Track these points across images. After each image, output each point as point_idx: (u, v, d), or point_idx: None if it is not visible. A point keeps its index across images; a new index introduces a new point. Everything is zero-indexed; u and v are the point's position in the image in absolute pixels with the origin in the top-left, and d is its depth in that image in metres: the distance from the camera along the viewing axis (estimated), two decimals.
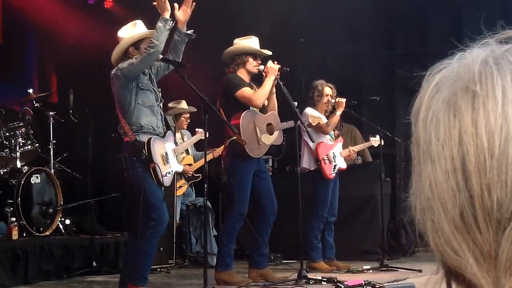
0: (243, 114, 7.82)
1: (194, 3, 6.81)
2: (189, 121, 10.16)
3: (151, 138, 6.66)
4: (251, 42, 8.12)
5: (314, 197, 9.33)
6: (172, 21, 6.70)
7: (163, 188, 6.75)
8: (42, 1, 11.94)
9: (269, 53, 8.18)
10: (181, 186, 10.09)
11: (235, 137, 7.67)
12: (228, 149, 7.87)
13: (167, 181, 6.81)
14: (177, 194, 10.03)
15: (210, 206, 10.08)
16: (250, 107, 7.93)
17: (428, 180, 0.93)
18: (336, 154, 9.48)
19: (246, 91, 7.81)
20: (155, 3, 6.69)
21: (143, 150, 6.56)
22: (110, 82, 6.74)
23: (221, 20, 11.45)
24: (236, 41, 8.14)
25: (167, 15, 6.63)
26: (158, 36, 6.55)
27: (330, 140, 9.53)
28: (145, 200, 6.52)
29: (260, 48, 8.13)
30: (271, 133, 8.10)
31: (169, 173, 6.86)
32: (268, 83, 7.89)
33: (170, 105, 10.21)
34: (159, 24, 6.60)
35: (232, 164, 7.80)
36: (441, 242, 0.93)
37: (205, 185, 7.67)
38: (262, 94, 7.90)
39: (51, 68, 12.49)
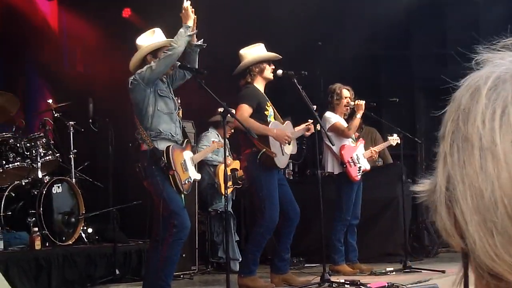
0: (270, 126, 7.84)
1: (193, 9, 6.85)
2: (232, 130, 9.99)
3: (169, 146, 6.68)
4: (261, 50, 8.12)
5: (338, 200, 9.32)
6: (194, 30, 6.77)
7: (183, 195, 6.76)
8: (60, 10, 12.03)
9: (279, 56, 8.18)
10: (228, 187, 10.04)
11: (264, 150, 7.69)
12: (250, 160, 7.84)
13: (186, 188, 6.82)
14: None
15: (232, 212, 10.08)
16: (268, 119, 7.95)
17: (491, 181, 0.89)
18: (359, 156, 9.47)
19: (243, 108, 7.79)
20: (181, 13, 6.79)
21: (162, 158, 6.57)
22: (128, 89, 6.76)
23: (237, 24, 11.44)
24: (243, 52, 8.08)
25: (190, 23, 6.75)
26: (178, 39, 6.65)
27: (352, 142, 9.50)
28: (165, 208, 6.53)
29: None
30: (289, 143, 8.11)
31: (188, 180, 6.87)
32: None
33: (220, 110, 10.14)
34: (181, 30, 6.71)
35: (257, 175, 7.79)
36: (496, 245, 0.89)
37: (226, 190, 7.67)
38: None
39: (69, 77, 12.53)
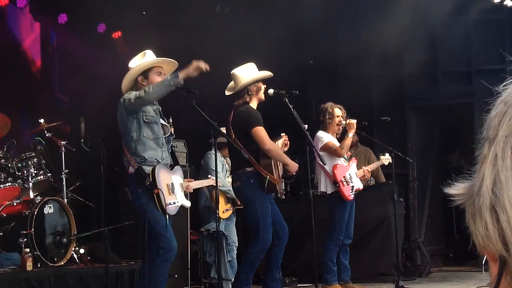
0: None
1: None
2: None
3: (155, 166, 6.66)
4: (254, 69, 8.02)
5: (331, 220, 9.29)
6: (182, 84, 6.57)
7: (167, 216, 6.71)
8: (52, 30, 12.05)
9: (272, 74, 8.12)
10: (227, 210, 10.02)
11: (267, 176, 7.65)
12: (243, 179, 7.79)
13: (171, 210, 6.76)
14: (222, 217, 9.94)
15: (224, 232, 10.05)
16: None
17: None
18: (352, 175, 9.45)
19: (262, 131, 7.72)
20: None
21: (148, 177, 6.55)
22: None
23: (228, 44, 11.46)
24: (238, 72, 7.91)
25: (184, 75, 6.51)
26: (157, 87, 6.53)
27: (344, 162, 9.49)
28: (151, 230, 6.52)
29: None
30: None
31: (174, 203, 6.81)
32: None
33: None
34: (168, 77, 6.56)
35: (251, 195, 7.75)
36: None
37: (217, 211, 7.64)
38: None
39: (62, 97, 12.52)
